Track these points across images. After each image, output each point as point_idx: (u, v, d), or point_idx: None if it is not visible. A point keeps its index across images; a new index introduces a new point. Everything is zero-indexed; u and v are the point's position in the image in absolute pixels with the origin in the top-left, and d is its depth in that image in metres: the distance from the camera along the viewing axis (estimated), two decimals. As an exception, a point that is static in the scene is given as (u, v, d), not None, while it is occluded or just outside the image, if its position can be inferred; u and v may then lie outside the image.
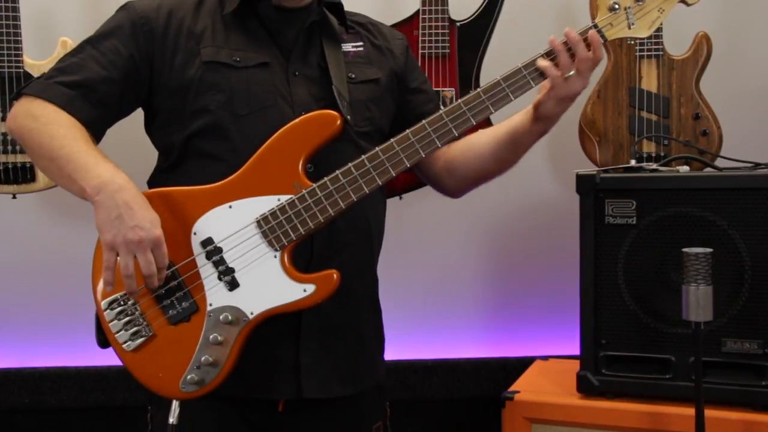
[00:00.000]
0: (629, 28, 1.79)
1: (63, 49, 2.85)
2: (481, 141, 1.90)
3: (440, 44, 2.83)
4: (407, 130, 1.69)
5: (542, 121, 1.81)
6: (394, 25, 2.72)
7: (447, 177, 1.97)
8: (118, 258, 1.60)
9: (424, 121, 1.69)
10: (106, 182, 1.61)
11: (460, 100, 1.71)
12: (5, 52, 2.79)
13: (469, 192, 2.01)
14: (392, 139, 1.69)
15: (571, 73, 1.71)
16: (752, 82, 3.14)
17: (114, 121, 1.81)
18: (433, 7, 2.83)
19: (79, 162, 1.64)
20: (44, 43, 2.96)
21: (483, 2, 2.87)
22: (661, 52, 2.78)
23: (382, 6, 3.01)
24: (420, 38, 2.84)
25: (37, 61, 2.85)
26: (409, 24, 2.87)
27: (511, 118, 1.86)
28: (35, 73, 2.81)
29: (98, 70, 1.74)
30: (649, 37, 2.75)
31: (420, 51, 2.83)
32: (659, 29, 2.75)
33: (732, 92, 3.06)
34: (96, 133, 1.76)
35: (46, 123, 1.69)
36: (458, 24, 2.86)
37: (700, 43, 2.78)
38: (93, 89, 1.73)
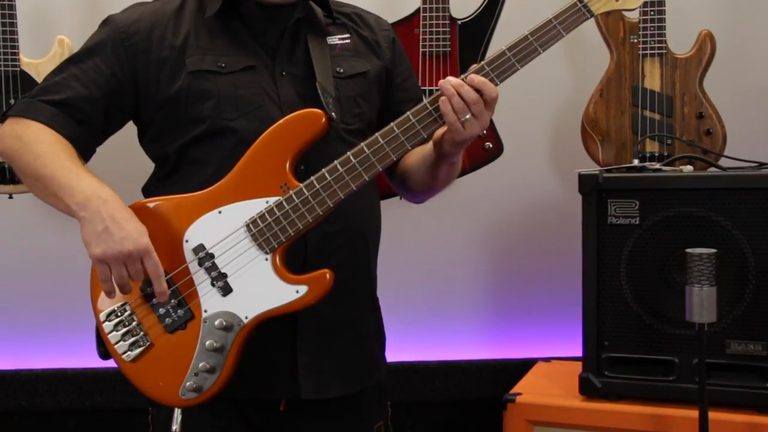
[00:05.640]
0: (616, 0, 1.73)
1: (60, 48, 2.84)
2: (416, 158, 1.88)
3: (441, 42, 2.82)
4: (391, 123, 1.67)
5: (444, 158, 1.77)
6: (394, 24, 2.71)
7: (402, 186, 1.96)
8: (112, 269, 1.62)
9: (408, 113, 1.66)
10: (90, 197, 1.62)
11: None
12: (1, 50, 2.78)
13: (428, 199, 1.98)
14: (377, 134, 1.67)
15: (467, 116, 1.64)
16: (756, 81, 3.13)
17: (103, 139, 1.81)
18: (434, 5, 2.81)
19: (62, 180, 1.64)
20: (41, 41, 2.95)
21: (484, 0, 2.85)
22: (664, 51, 2.76)
23: (382, 4, 2.99)
24: (421, 36, 2.82)
25: (34, 59, 2.84)
26: (409, 22, 2.85)
27: (424, 146, 1.81)
28: (32, 72, 2.81)
29: (80, 89, 1.73)
30: (652, 36, 2.75)
31: (421, 49, 2.82)
32: (662, 27, 2.73)
33: (736, 91, 3.04)
34: (84, 151, 1.76)
35: (30, 142, 1.69)
36: (459, 22, 2.85)
37: (704, 42, 2.76)
38: (76, 108, 1.73)
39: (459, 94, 1.63)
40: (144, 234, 1.62)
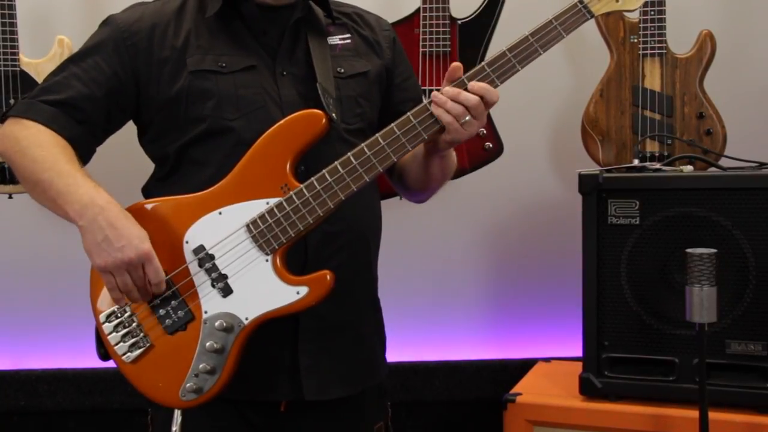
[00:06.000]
0: (617, 1, 1.73)
1: (60, 48, 2.83)
2: (410, 156, 1.86)
3: (441, 42, 2.81)
4: (392, 124, 1.66)
5: (434, 153, 1.77)
6: (394, 24, 2.71)
7: (400, 184, 1.96)
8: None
9: (409, 113, 1.66)
10: (87, 205, 1.61)
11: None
12: (1, 50, 2.77)
13: (428, 198, 1.96)
14: (377, 134, 1.66)
15: (467, 118, 1.64)
16: (757, 81, 3.13)
17: (103, 139, 1.80)
18: (434, 5, 2.81)
19: (60, 186, 1.63)
20: (41, 41, 2.94)
21: (484, 0, 2.85)
22: (664, 51, 2.75)
23: (382, 4, 2.99)
24: (421, 36, 2.82)
25: (34, 59, 2.83)
26: (409, 22, 2.85)
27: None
28: (32, 72, 2.80)
29: (81, 88, 1.73)
30: (653, 35, 2.74)
31: (421, 49, 2.82)
32: (662, 27, 2.73)
33: (736, 91, 3.04)
34: (84, 151, 1.75)
35: (29, 145, 1.68)
36: (459, 22, 2.85)
37: (704, 42, 2.76)
38: (76, 107, 1.72)
39: (457, 101, 1.63)
40: (144, 239, 1.61)
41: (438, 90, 1.67)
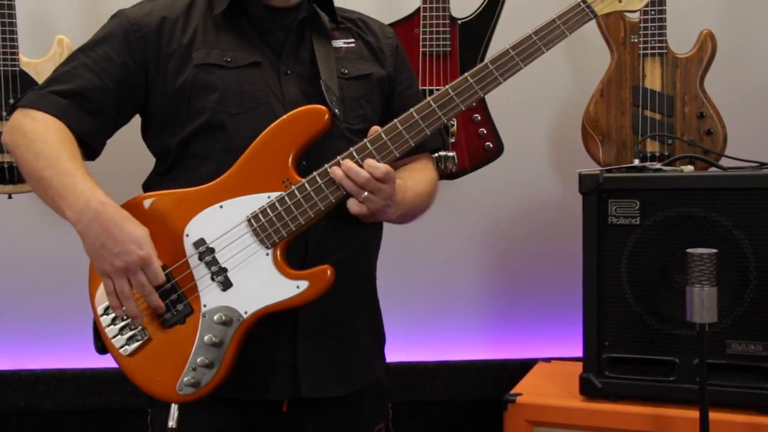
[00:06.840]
0: (620, 1, 1.75)
1: (59, 48, 2.83)
2: None
3: (441, 42, 2.81)
4: (395, 120, 1.68)
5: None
6: (394, 23, 2.71)
7: None
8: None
9: (411, 110, 1.68)
10: (83, 209, 1.61)
11: (447, 86, 1.69)
12: (1, 50, 2.77)
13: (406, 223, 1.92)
14: (380, 130, 1.67)
15: (365, 194, 1.64)
16: (757, 81, 3.13)
17: (113, 131, 1.81)
18: (434, 5, 2.81)
19: (60, 186, 1.63)
20: (41, 41, 2.94)
21: (484, 0, 2.85)
22: (665, 51, 2.75)
23: (383, 4, 2.99)
24: (421, 36, 2.82)
25: (34, 59, 2.83)
26: (410, 22, 2.85)
27: None
28: (32, 72, 2.80)
29: (92, 78, 1.73)
30: (653, 35, 2.74)
31: (421, 49, 2.81)
32: (663, 27, 2.73)
33: (737, 91, 3.04)
34: (95, 144, 1.76)
35: (34, 139, 1.68)
36: (459, 22, 2.84)
37: (705, 42, 2.76)
38: (88, 98, 1.72)
39: (349, 177, 1.64)
40: (143, 242, 1.62)
41: (438, 90, 1.68)
